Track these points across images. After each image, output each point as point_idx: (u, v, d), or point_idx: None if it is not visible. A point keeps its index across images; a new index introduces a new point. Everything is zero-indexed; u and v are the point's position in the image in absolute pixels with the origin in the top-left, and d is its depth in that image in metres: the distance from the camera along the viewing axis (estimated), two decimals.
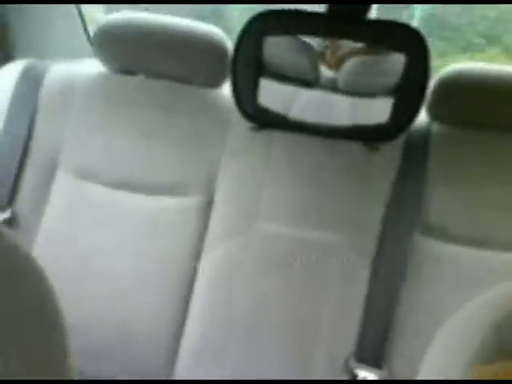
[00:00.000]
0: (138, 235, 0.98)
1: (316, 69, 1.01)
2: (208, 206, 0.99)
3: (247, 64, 0.90)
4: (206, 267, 0.97)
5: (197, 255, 0.97)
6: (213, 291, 0.96)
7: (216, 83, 1.02)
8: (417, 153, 0.96)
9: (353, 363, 0.90)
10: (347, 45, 1.06)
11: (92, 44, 1.04)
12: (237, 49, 0.89)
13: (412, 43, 0.84)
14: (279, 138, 0.98)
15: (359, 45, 0.99)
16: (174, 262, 0.97)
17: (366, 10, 0.84)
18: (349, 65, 1.00)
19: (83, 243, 0.99)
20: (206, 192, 0.99)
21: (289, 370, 0.93)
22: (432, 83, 0.94)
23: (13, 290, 0.32)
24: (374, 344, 0.91)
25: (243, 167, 0.98)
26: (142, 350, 0.96)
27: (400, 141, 0.96)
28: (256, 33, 0.87)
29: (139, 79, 1.03)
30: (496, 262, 0.91)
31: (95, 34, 1.01)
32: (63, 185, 1.01)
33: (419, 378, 0.39)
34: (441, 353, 0.37)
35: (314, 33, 0.91)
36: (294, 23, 0.87)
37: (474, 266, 0.91)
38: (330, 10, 0.85)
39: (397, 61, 0.88)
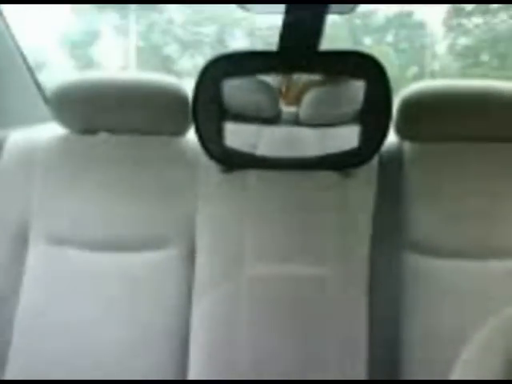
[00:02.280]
0: (123, 296, 0.94)
1: (276, 105, 1.01)
2: (191, 255, 0.96)
3: (208, 108, 0.90)
4: (198, 320, 0.93)
5: (187, 308, 0.93)
6: (211, 343, 0.92)
7: (180, 131, 1.02)
8: (392, 174, 0.97)
9: None
10: (302, 78, 1.08)
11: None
12: (196, 95, 0.89)
13: (368, 68, 0.86)
14: (252, 176, 0.97)
15: (315, 77, 1.00)
16: (163, 320, 0.93)
17: (318, 42, 0.86)
18: (308, 97, 1.00)
19: (67, 315, 0.93)
20: (186, 241, 0.96)
21: None
22: (396, 103, 0.96)
23: None
24: (385, 377, 0.88)
25: (221, 211, 0.97)
26: None
27: (373, 164, 0.97)
28: (213, 78, 0.87)
29: (102, 136, 1.02)
30: (488, 270, 0.92)
31: (51, 97, 0.99)
32: (37, 254, 0.97)
33: None
34: None
35: (269, 71, 0.92)
36: (248, 64, 0.88)
37: (467, 277, 0.91)
38: (281, 46, 0.86)
39: (356, 87, 0.89)
